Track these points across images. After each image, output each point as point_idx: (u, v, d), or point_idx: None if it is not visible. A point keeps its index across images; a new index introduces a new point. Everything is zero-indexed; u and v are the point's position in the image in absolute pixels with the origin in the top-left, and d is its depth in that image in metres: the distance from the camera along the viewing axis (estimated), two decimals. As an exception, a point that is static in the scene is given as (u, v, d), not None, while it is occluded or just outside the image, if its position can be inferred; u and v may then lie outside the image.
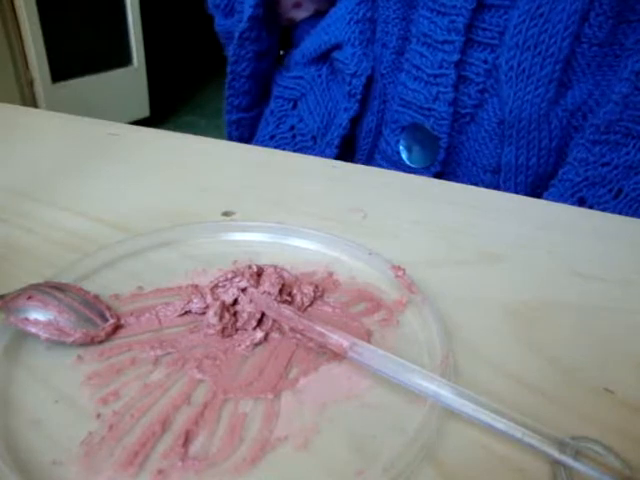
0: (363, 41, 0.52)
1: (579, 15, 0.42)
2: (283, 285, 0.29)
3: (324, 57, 0.56)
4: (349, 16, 0.52)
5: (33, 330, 0.25)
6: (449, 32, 0.46)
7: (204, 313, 0.28)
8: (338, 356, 0.25)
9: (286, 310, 0.27)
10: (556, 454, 0.20)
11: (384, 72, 0.52)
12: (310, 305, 0.29)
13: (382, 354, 0.24)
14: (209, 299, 0.28)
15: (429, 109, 0.49)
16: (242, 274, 0.29)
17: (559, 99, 0.46)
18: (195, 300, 0.28)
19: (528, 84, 0.45)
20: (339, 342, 0.25)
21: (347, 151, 0.56)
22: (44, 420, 0.22)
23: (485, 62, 0.46)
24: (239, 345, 0.26)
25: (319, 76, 0.56)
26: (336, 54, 0.54)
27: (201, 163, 0.47)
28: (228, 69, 0.59)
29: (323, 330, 0.25)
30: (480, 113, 0.48)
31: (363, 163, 0.54)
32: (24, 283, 0.28)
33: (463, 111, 0.48)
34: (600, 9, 0.42)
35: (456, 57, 0.46)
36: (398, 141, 0.51)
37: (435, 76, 0.48)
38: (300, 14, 0.59)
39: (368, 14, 0.51)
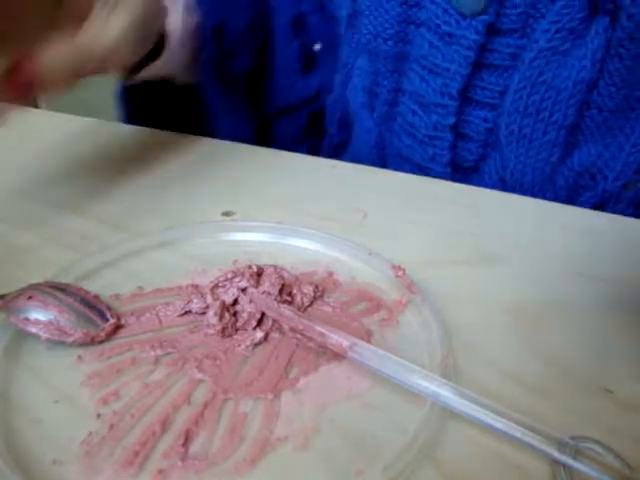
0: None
1: (586, 84, 0.38)
2: (283, 285, 0.29)
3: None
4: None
5: (33, 330, 0.25)
6: (442, 96, 0.42)
7: (204, 313, 0.28)
8: (338, 356, 0.25)
9: (286, 310, 0.27)
10: (556, 454, 0.20)
11: (378, 121, 0.50)
12: (310, 305, 0.29)
13: (382, 354, 0.24)
14: (209, 299, 0.28)
15: (427, 167, 0.46)
16: (242, 274, 0.29)
17: (565, 159, 0.42)
18: (195, 300, 0.28)
19: (530, 148, 0.42)
20: (339, 342, 0.25)
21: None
22: (44, 420, 0.22)
23: (485, 120, 0.43)
24: (239, 345, 0.26)
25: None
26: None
27: (201, 163, 0.47)
28: None
29: (323, 330, 0.25)
30: (482, 166, 0.46)
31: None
32: (24, 283, 0.28)
33: (464, 165, 0.46)
34: (610, 80, 0.38)
35: (451, 120, 0.43)
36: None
37: (430, 137, 0.45)
38: None
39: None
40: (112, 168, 0.46)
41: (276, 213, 0.38)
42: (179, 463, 0.20)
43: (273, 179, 0.44)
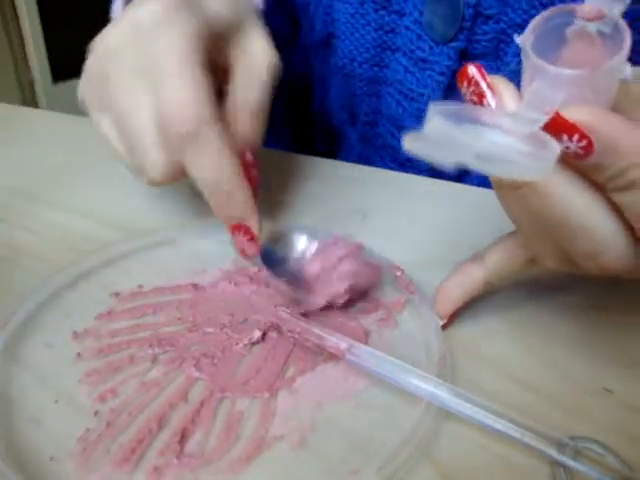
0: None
1: None
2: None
3: None
4: None
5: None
6: (418, 120, 0.42)
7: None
8: (335, 356, 0.25)
9: (284, 313, 0.27)
10: (555, 454, 0.20)
11: (360, 138, 0.50)
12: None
13: (380, 356, 0.24)
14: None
15: None
16: (240, 275, 0.29)
17: None
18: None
19: None
20: (337, 344, 0.24)
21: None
22: (43, 417, 0.22)
23: None
24: (237, 344, 0.26)
25: None
26: None
27: (201, 163, 0.47)
28: None
29: (321, 333, 0.25)
30: (464, 180, 0.46)
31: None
32: (25, 283, 0.28)
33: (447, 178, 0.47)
34: None
35: None
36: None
37: (409, 160, 0.46)
38: None
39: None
40: (112, 168, 0.46)
41: (276, 213, 0.38)
42: (175, 461, 0.20)
43: (273, 179, 0.44)
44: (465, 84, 0.20)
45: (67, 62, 2.29)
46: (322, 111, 0.54)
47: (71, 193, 0.41)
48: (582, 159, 0.18)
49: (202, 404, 0.23)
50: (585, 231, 0.20)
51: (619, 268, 0.21)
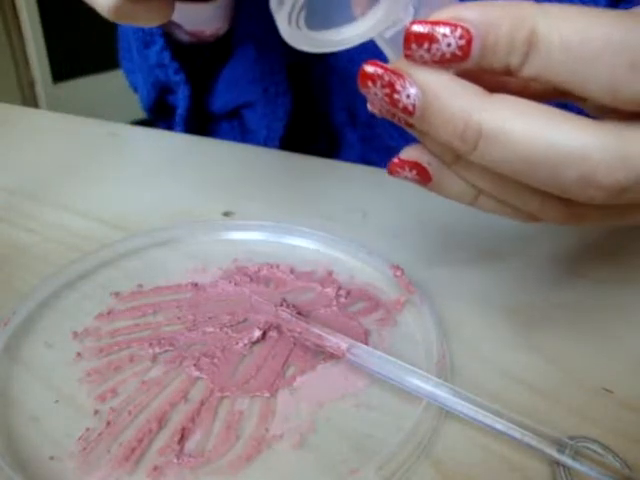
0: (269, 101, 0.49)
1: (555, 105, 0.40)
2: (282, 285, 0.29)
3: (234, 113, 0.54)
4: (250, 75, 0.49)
5: None
6: None
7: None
8: (335, 355, 0.25)
9: (284, 313, 0.27)
10: (555, 454, 0.20)
11: (360, 139, 0.51)
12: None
13: (380, 356, 0.24)
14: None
15: None
16: (241, 273, 0.29)
17: None
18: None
19: None
20: (337, 344, 0.24)
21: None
22: (43, 417, 0.22)
23: None
24: (237, 343, 0.26)
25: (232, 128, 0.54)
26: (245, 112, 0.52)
27: (201, 163, 0.47)
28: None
29: (321, 333, 0.25)
30: None
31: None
32: (25, 283, 0.28)
33: None
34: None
35: None
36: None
37: None
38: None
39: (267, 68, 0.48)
40: (112, 168, 0.46)
41: (276, 213, 0.38)
42: (174, 460, 0.20)
43: (273, 179, 0.44)
44: (370, 84, 0.21)
45: (67, 62, 2.30)
46: (322, 111, 0.54)
47: (71, 193, 0.41)
48: (466, 51, 0.18)
49: (202, 403, 0.23)
50: (563, 152, 0.17)
51: (614, 180, 0.18)
